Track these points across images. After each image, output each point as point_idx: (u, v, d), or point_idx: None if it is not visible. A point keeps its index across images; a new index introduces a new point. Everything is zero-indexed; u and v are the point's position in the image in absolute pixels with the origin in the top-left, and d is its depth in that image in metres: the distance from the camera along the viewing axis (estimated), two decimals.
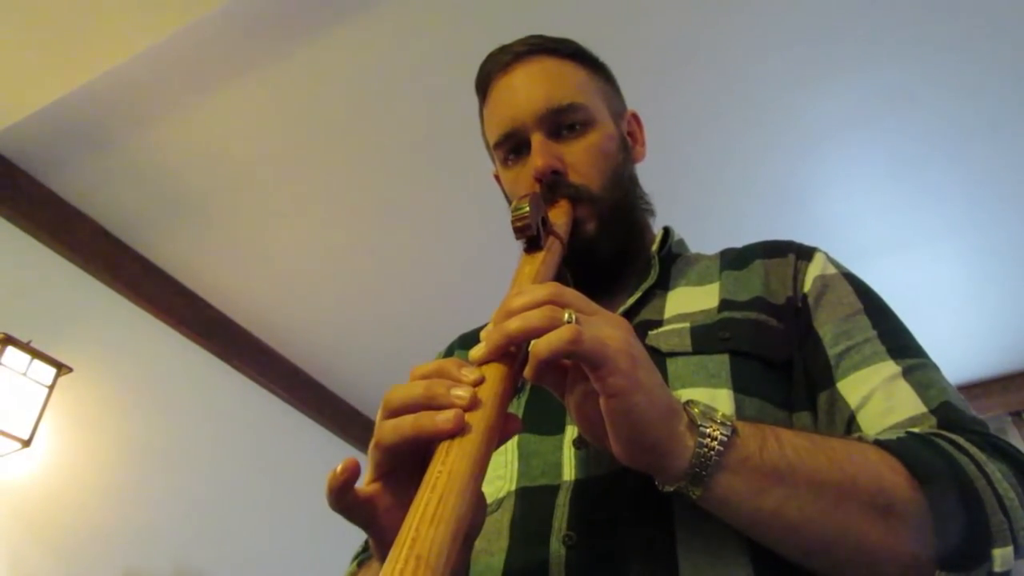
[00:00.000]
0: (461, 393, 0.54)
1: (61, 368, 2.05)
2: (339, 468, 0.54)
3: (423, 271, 2.71)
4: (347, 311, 2.87)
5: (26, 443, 1.93)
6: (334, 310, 2.86)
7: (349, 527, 0.59)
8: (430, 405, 0.54)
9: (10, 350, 1.94)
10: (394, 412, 0.55)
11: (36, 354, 1.99)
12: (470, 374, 0.56)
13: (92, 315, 2.38)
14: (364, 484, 0.57)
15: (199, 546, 2.43)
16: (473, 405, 0.53)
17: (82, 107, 2.04)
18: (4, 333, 1.94)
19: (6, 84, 1.94)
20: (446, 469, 0.49)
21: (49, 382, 2.01)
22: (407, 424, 0.54)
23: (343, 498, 0.55)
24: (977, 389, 3.26)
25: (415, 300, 2.81)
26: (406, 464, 0.57)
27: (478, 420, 0.52)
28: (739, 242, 0.94)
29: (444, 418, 0.52)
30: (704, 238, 1.10)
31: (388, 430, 0.55)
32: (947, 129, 2.24)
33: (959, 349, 3.12)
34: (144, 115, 2.11)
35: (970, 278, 2.82)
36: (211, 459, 2.61)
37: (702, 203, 2.43)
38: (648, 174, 1.02)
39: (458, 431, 0.52)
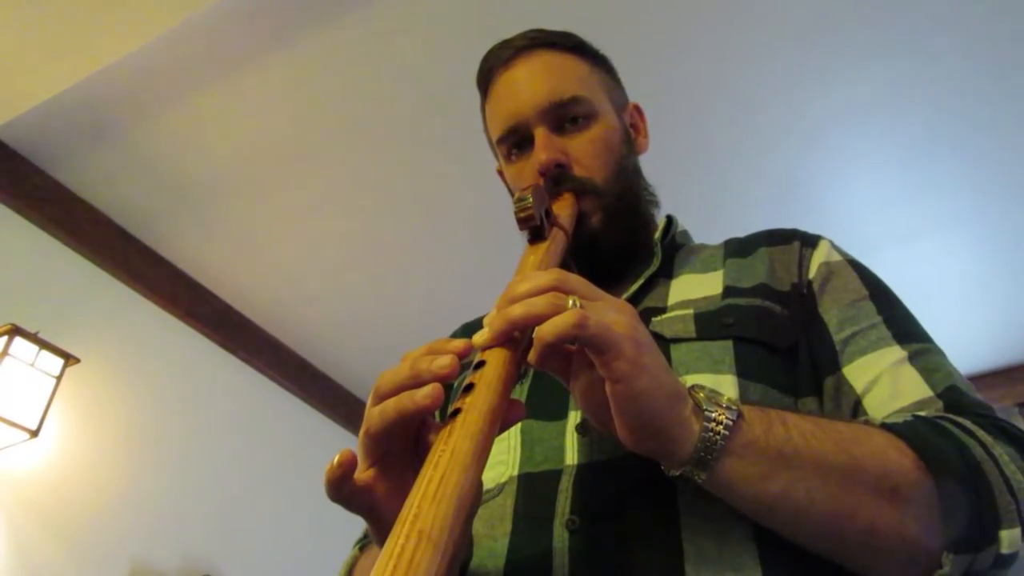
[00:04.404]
0: (443, 362, 0.54)
1: (68, 359, 2.05)
2: (335, 461, 0.55)
3: (431, 264, 2.71)
4: (355, 303, 2.88)
5: (34, 433, 1.94)
6: (342, 302, 2.87)
7: (356, 518, 0.60)
8: (415, 384, 0.54)
9: (18, 341, 1.95)
10: (382, 398, 0.56)
11: (44, 345, 2.00)
12: (458, 343, 0.56)
13: (99, 306, 2.38)
14: (359, 472, 0.57)
15: (205, 536, 2.45)
16: (453, 371, 0.54)
17: (89, 98, 2.05)
18: (12, 324, 1.95)
19: (13, 75, 1.95)
20: (448, 448, 0.49)
21: (57, 373, 2.02)
22: (391, 407, 0.54)
23: (341, 489, 0.55)
24: (984, 380, 3.25)
25: (423, 292, 2.81)
26: (400, 449, 0.57)
27: (481, 401, 0.52)
28: (746, 234, 0.93)
29: (423, 394, 0.53)
30: (711, 230, 1.09)
31: (375, 416, 0.55)
32: (954, 120, 2.23)
33: (966, 340, 3.10)
34: (152, 107, 2.11)
35: (977, 269, 2.80)
36: (218, 450, 2.62)
37: (709, 195, 2.43)
38: (655, 166, 1.01)
39: (435, 404, 0.52)
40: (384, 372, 0.57)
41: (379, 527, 0.58)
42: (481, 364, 0.56)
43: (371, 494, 0.57)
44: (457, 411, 0.52)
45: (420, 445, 0.58)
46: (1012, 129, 2.25)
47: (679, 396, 0.56)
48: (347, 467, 0.55)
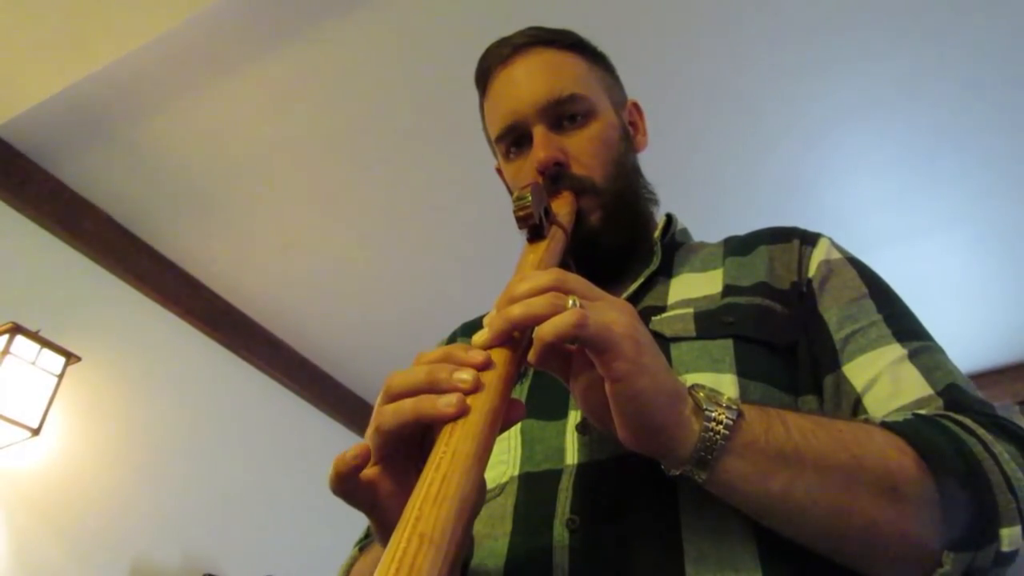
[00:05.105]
0: (465, 376, 0.53)
1: (70, 357, 2.06)
2: (350, 453, 0.54)
3: (431, 263, 2.71)
4: (354, 301, 2.88)
5: (35, 432, 1.94)
6: (341, 300, 2.87)
7: (356, 515, 0.60)
8: (432, 389, 0.54)
9: (19, 339, 1.95)
10: (395, 397, 0.55)
11: (45, 343, 2.00)
12: (477, 356, 0.55)
13: (100, 305, 2.39)
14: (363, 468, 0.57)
15: (206, 534, 2.45)
16: (477, 387, 0.53)
17: (90, 97, 2.05)
18: (13, 322, 1.95)
19: (14, 74, 1.95)
20: (450, 450, 0.49)
21: (58, 371, 2.02)
22: (407, 408, 0.53)
23: (348, 482, 0.55)
24: (985, 378, 3.25)
25: (422, 291, 2.81)
26: (406, 449, 0.57)
27: (482, 402, 0.52)
28: (746, 232, 0.93)
29: (446, 402, 0.52)
30: (711, 228, 1.09)
31: (388, 414, 0.54)
32: (955, 118, 2.23)
33: (967, 338, 3.10)
34: (153, 105, 2.11)
35: (979, 267, 2.80)
36: (218, 448, 2.63)
37: (710, 194, 2.43)
38: (656, 165, 1.01)
39: (460, 414, 0.51)
40: (396, 372, 0.57)
41: (381, 524, 0.58)
42: (486, 361, 0.56)
43: (374, 491, 0.56)
44: None
45: (424, 445, 0.57)
46: (1013, 128, 2.25)
47: (679, 395, 0.56)
48: (362, 460, 0.54)
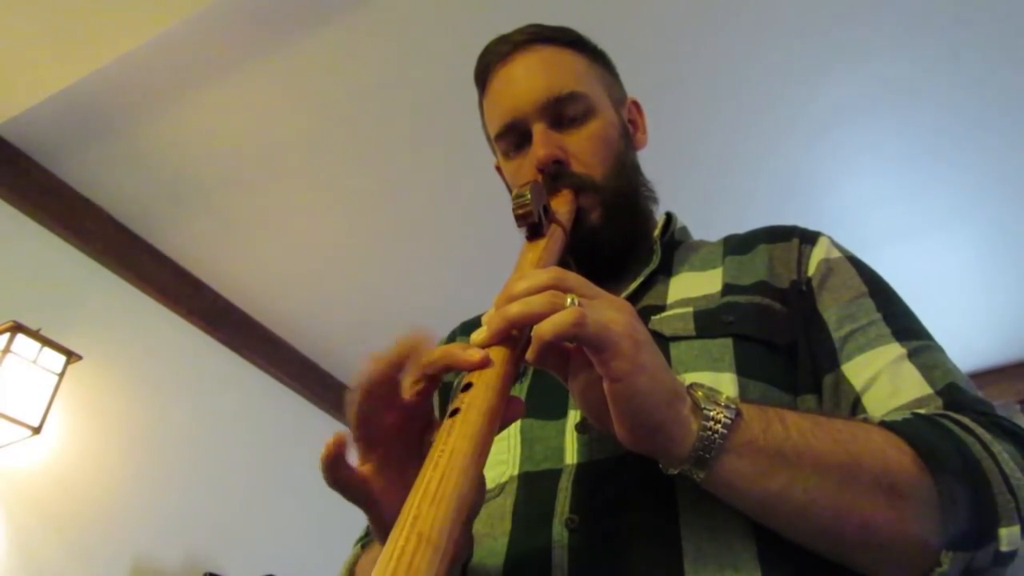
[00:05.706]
0: (473, 356, 0.55)
1: (71, 356, 2.06)
2: (329, 442, 0.55)
3: (432, 261, 2.71)
4: (355, 300, 2.88)
5: (36, 431, 1.94)
6: (342, 299, 2.87)
7: (356, 514, 0.60)
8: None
9: (20, 338, 1.95)
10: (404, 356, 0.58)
11: (46, 342, 2.00)
12: (475, 354, 0.55)
13: (101, 303, 2.39)
14: (358, 464, 0.57)
15: (206, 533, 2.45)
16: (483, 363, 0.54)
17: (92, 96, 2.05)
18: (14, 321, 1.95)
19: (15, 72, 1.95)
20: (448, 448, 0.48)
21: (59, 370, 2.02)
22: (438, 353, 0.55)
23: (336, 473, 0.55)
24: (986, 377, 3.25)
25: (424, 291, 2.81)
26: (401, 445, 0.57)
27: (480, 401, 0.52)
28: (746, 230, 0.93)
29: (471, 352, 0.54)
30: (712, 227, 1.09)
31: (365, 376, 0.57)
32: (956, 117, 2.22)
33: (968, 337, 3.10)
34: (154, 104, 2.11)
35: (980, 266, 2.80)
36: (219, 447, 2.63)
37: (711, 192, 2.42)
38: (656, 164, 1.01)
39: (486, 365, 0.53)
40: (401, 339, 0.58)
41: (379, 521, 0.58)
42: (484, 358, 0.56)
43: (369, 486, 0.56)
44: (456, 410, 0.52)
45: (423, 443, 0.58)
46: (1014, 126, 2.25)
47: (677, 395, 0.56)
48: (339, 447, 0.55)
